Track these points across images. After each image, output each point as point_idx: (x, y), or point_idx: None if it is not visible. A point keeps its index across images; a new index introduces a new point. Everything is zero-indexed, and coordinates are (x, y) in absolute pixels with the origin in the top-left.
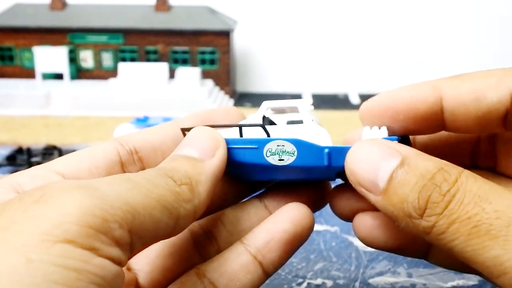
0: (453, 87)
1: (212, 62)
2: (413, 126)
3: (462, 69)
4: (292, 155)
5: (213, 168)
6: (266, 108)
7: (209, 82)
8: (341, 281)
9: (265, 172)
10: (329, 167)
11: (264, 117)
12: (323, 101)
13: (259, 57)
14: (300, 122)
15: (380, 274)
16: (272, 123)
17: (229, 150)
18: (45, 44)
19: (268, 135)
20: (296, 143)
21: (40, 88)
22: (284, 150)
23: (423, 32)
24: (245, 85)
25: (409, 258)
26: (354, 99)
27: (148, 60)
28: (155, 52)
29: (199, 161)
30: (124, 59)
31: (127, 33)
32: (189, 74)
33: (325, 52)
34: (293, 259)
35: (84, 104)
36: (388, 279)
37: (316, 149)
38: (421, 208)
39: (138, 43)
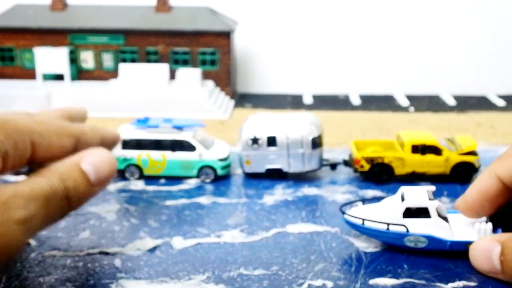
0: (503, 168)
1: (212, 63)
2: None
3: (463, 71)
4: (424, 243)
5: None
6: (402, 192)
7: (210, 83)
8: (341, 282)
9: (402, 247)
10: (449, 251)
11: (406, 210)
12: (324, 102)
13: (259, 58)
14: (426, 211)
15: (381, 275)
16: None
17: (379, 233)
18: (46, 45)
19: (407, 231)
20: (428, 237)
21: (40, 89)
22: (419, 240)
23: (423, 34)
24: (245, 85)
25: (409, 259)
26: (355, 100)
27: (148, 61)
28: (155, 53)
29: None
30: (124, 60)
31: (128, 34)
32: (190, 75)
33: (326, 53)
34: (293, 260)
35: (84, 105)
36: (388, 280)
37: (442, 241)
38: None
39: (139, 44)
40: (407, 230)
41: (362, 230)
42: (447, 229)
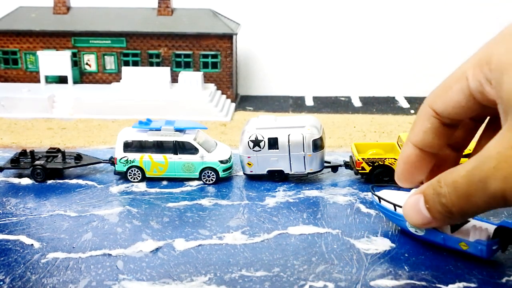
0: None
1: (214, 65)
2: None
3: None
4: (423, 231)
5: None
6: None
7: (212, 86)
8: (342, 284)
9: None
10: (443, 245)
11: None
12: (325, 104)
13: (261, 60)
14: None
15: (382, 276)
16: None
17: (387, 213)
18: (49, 47)
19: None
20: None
21: (43, 92)
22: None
23: (424, 38)
24: (247, 88)
25: (410, 261)
26: (356, 102)
27: (150, 63)
28: (157, 55)
29: None
30: (127, 63)
31: (130, 36)
32: (192, 77)
33: (327, 56)
34: (294, 262)
35: (87, 107)
36: (389, 281)
37: (437, 233)
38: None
39: (141, 47)
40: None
41: (380, 209)
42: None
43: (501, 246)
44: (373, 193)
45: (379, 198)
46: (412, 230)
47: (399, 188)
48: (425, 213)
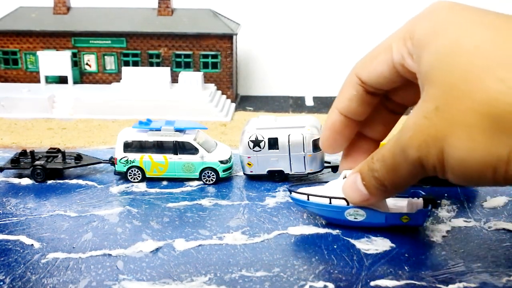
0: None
1: (214, 65)
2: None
3: None
4: (363, 216)
5: None
6: (344, 174)
7: (212, 86)
8: (343, 284)
9: (343, 223)
10: (384, 224)
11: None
12: (325, 104)
13: (261, 60)
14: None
15: (382, 276)
16: None
17: (322, 208)
18: (49, 48)
19: (348, 204)
20: (367, 210)
21: (43, 92)
22: (358, 213)
23: None
24: (247, 88)
25: (410, 261)
26: None
27: (151, 63)
28: (157, 56)
29: None
30: (127, 63)
31: (130, 36)
32: (192, 78)
33: (327, 56)
34: (294, 262)
35: (87, 108)
36: (389, 281)
37: (379, 214)
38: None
39: (141, 47)
40: (348, 204)
41: (306, 206)
42: (383, 203)
43: (430, 213)
44: (296, 193)
45: (308, 195)
46: (351, 218)
47: (310, 184)
48: (363, 189)
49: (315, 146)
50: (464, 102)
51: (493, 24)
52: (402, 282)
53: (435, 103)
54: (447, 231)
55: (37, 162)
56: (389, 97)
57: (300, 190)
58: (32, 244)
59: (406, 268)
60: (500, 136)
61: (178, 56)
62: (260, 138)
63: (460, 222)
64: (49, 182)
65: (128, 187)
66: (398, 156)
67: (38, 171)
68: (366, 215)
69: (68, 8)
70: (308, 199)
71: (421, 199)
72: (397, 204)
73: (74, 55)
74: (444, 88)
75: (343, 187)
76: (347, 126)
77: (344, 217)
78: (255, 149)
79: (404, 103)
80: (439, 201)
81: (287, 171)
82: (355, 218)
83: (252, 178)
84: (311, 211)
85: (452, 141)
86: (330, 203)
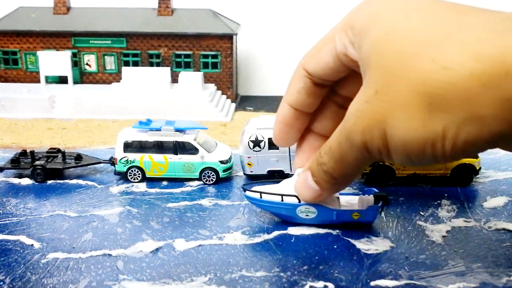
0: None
1: (214, 66)
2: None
3: None
4: (314, 213)
5: None
6: (298, 173)
7: (212, 86)
8: (342, 284)
9: (295, 220)
10: (336, 221)
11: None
12: None
13: (261, 61)
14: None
15: (382, 276)
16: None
17: (274, 205)
18: (49, 48)
19: (300, 201)
20: (318, 207)
21: (43, 92)
22: (309, 210)
23: None
24: (247, 88)
25: (410, 261)
26: None
27: (151, 63)
28: (157, 56)
29: None
30: (127, 63)
31: (130, 37)
32: (192, 78)
33: None
34: (294, 262)
35: (87, 108)
36: (389, 281)
37: (330, 210)
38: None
39: (141, 47)
40: (299, 201)
41: (260, 204)
42: (335, 200)
43: (381, 209)
44: (250, 191)
45: (261, 193)
46: (303, 215)
47: (265, 182)
48: (314, 186)
49: None
50: (401, 83)
51: (427, 7)
52: (402, 282)
53: (375, 87)
54: (447, 231)
55: (37, 162)
56: (337, 91)
57: (253, 188)
58: (32, 244)
59: (406, 268)
60: (435, 113)
61: (178, 56)
62: (260, 138)
63: (460, 222)
64: (49, 182)
65: (128, 187)
66: (344, 144)
67: (38, 171)
68: (317, 212)
69: (68, 8)
70: (261, 197)
71: (372, 196)
72: (349, 201)
73: (74, 55)
74: (382, 72)
75: (295, 186)
76: (297, 118)
77: (296, 214)
78: (255, 149)
79: (351, 97)
80: (391, 197)
81: (287, 171)
82: (306, 216)
83: (252, 178)
84: (264, 209)
85: (392, 122)
86: (282, 200)
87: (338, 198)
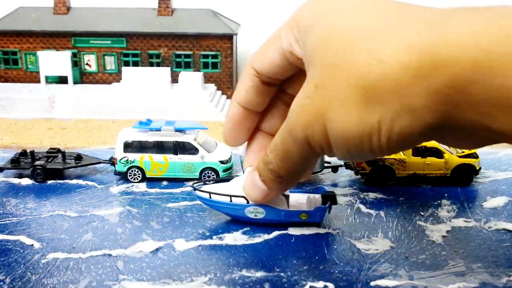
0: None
1: (214, 66)
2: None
3: None
4: (262, 214)
5: None
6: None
7: (212, 86)
8: (343, 284)
9: (243, 219)
10: (284, 221)
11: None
12: None
13: None
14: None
15: (382, 276)
16: None
17: (223, 206)
18: (49, 48)
19: (248, 202)
20: (266, 208)
21: (43, 92)
22: (258, 211)
23: None
24: None
25: (410, 261)
26: None
27: (151, 64)
28: (158, 56)
29: None
30: (127, 63)
31: (130, 37)
32: (192, 78)
33: None
34: (295, 262)
35: (87, 108)
36: (389, 281)
37: (278, 211)
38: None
39: (141, 47)
40: (248, 202)
41: (210, 204)
42: (283, 201)
43: (329, 209)
44: (199, 190)
45: (210, 193)
46: (252, 215)
47: (215, 181)
48: (261, 185)
49: None
50: (339, 77)
51: (370, 6)
52: (402, 282)
53: (315, 81)
54: (447, 231)
55: (37, 162)
56: (285, 90)
57: (203, 188)
58: (32, 244)
59: (406, 268)
60: (371, 105)
61: (178, 56)
62: None
63: (460, 222)
64: (49, 182)
65: (128, 187)
66: (287, 140)
67: (38, 171)
68: (266, 212)
69: (68, 8)
70: (210, 197)
71: (319, 196)
72: (298, 200)
73: (74, 55)
74: (322, 66)
75: (243, 187)
76: (247, 117)
77: (244, 214)
78: None
79: None
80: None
81: None
82: (255, 216)
83: None
84: (214, 208)
85: (332, 115)
86: (231, 201)
87: (287, 197)
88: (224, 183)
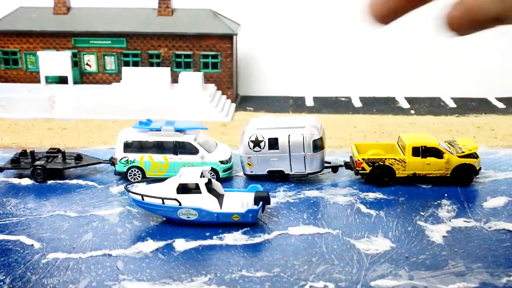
0: None
1: (214, 66)
2: None
3: (463, 74)
4: (195, 215)
5: None
6: (181, 172)
7: (212, 86)
8: (343, 284)
9: (177, 220)
10: (217, 222)
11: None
12: (325, 104)
13: (261, 61)
14: (198, 187)
15: (382, 276)
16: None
17: (156, 208)
18: (49, 48)
19: (180, 204)
20: (198, 210)
21: (44, 92)
22: (190, 213)
23: (424, 38)
24: (247, 88)
25: (410, 261)
26: (356, 103)
27: (151, 64)
28: (158, 56)
29: None
30: (127, 63)
31: (130, 37)
32: (192, 78)
33: (328, 56)
34: (295, 262)
35: (87, 108)
36: (389, 281)
37: (211, 213)
38: None
39: (141, 47)
40: (180, 204)
41: (142, 206)
42: (215, 203)
43: (262, 209)
44: (132, 192)
45: (142, 195)
46: (184, 217)
47: (148, 182)
48: None
49: (315, 146)
50: None
51: None
52: (402, 282)
53: None
54: (447, 231)
55: (37, 162)
56: None
57: (136, 189)
58: (32, 244)
59: (406, 268)
60: None
61: (178, 56)
62: (260, 138)
63: (460, 222)
64: (49, 182)
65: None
66: None
67: (38, 171)
68: (198, 214)
69: (68, 8)
70: (142, 199)
71: (252, 197)
72: (231, 202)
73: (74, 55)
74: None
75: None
76: None
77: (177, 216)
78: (255, 149)
79: None
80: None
81: (287, 171)
82: (188, 217)
83: (252, 178)
84: (146, 210)
85: None
86: (163, 203)
87: (221, 197)
88: (157, 183)
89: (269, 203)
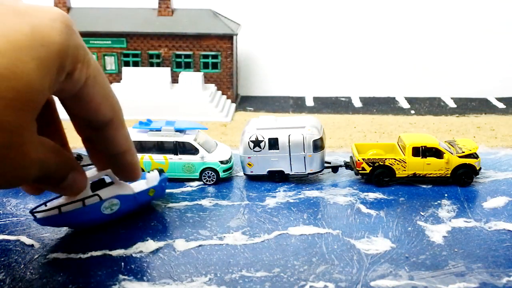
0: None
1: (214, 66)
2: None
3: (463, 73)
4: (117, 205)
5: None
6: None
7: (212, 86)
8: (343, 284)
9: (100, 220)
10: (137, 205)
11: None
12: (325, 104)
13: (261, 61)
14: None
15: (382, 277)
16: None
17: (77, 214)
18: None
19: (101, 199)
20: (119, 197)
21: None
22: (113, 203)
23: (424, 37)
24: (247, 88)
25: (410, 261)
26: (356, 103)
27: (151, 64)
28: (158, 56)
29: None
30: (127, 63)
31: (130, 37)
32: (192, 78)
33: (328, 56)
34: (295, 262)
35: None
36: (389, 281)
37: (130, 196)
38: None
39: (141, 47)
40: (100, 198)
41: (61, 221)
42: (128, 187)
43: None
44: (41, 212)
45: (59, 207)
46: (108, 211)
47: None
48: None
49: (316, 146)
50: None
51: None
52: (402, 282)
53: None
54: (447, 232)
55: None
56: None
57: (41, 208)
58: (32, 244)
59: (406, 268)
60: None
61: (178, 56)
62: (260, 138)
63: (460, 222)
64: None
65: None
66: None
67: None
68: (120, 202)
69: (68, 8)
70: (60, 212)
71: (156, 174)
72: (140, 182)
73: None
74: None
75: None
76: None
77: (101, 212)
78: (255, 149)
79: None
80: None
81: (287, 171)
82: (111, 210)
83: (252, 179)
84: (65, 225)
85: None
86: (84, 205)
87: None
88: (58, 199)
89: (165, 171)
